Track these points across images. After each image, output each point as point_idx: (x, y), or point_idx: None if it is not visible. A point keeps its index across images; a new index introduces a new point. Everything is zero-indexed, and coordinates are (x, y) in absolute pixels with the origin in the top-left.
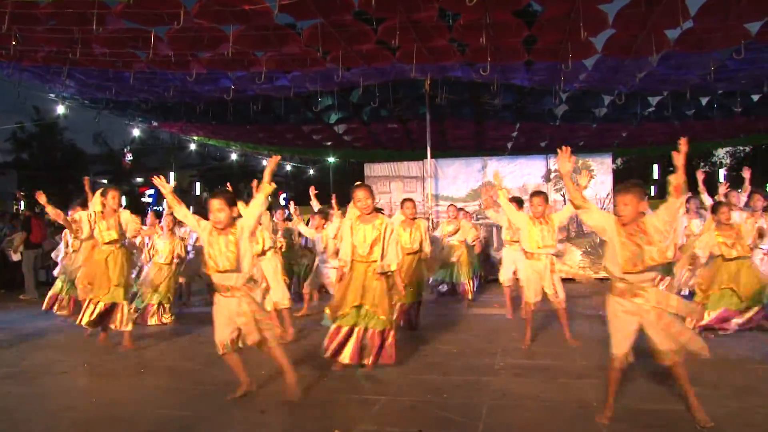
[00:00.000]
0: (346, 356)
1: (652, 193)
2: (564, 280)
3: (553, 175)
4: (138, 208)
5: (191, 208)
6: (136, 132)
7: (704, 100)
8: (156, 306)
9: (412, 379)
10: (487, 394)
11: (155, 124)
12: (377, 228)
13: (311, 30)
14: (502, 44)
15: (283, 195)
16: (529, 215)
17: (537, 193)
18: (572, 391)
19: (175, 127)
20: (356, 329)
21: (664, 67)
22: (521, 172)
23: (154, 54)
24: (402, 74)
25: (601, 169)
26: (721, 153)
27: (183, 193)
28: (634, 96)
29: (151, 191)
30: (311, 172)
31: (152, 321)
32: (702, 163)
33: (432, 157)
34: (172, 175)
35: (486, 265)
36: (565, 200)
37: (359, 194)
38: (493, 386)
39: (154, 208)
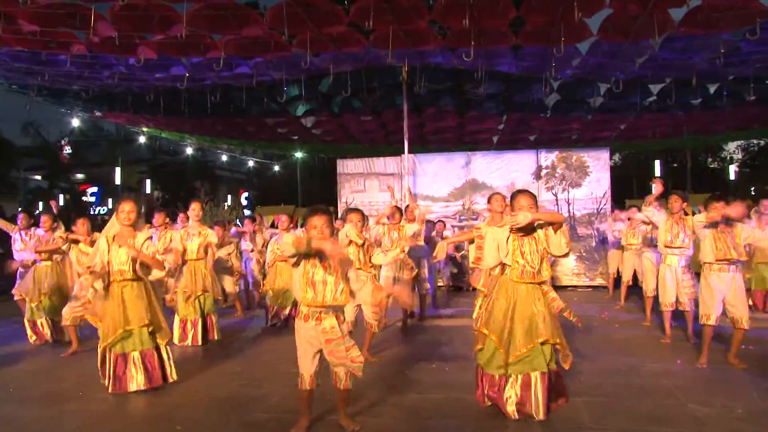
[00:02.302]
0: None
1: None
2: (555, 288)
3: (544, 171)
4: (79, 208)
5: (142, 207)
6: (75, 122)
7: (712, 88)
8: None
9: (388, 398)
10: (471, 414)
11: (99, 113)
12: (539, 239)
13: (275, 10)
14: (487, 27)
15: (245, 194)
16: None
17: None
18: (564, 410)
19: (121, 118)
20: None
21: (667, 50)
22: (509, 169)
23: (95, 35)
24: (377, 60)
25: (597, 165)
26: (732, 147)
27: (131, 191)
28: (634, 84)
29: (94, 189)
30: (276, 168)
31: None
32: (710, 159)
33: (410, 152)
34: (118, 170)
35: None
36: (557, 199)
37: (523, 202)
38: (477, 405)
39: (98, 208)
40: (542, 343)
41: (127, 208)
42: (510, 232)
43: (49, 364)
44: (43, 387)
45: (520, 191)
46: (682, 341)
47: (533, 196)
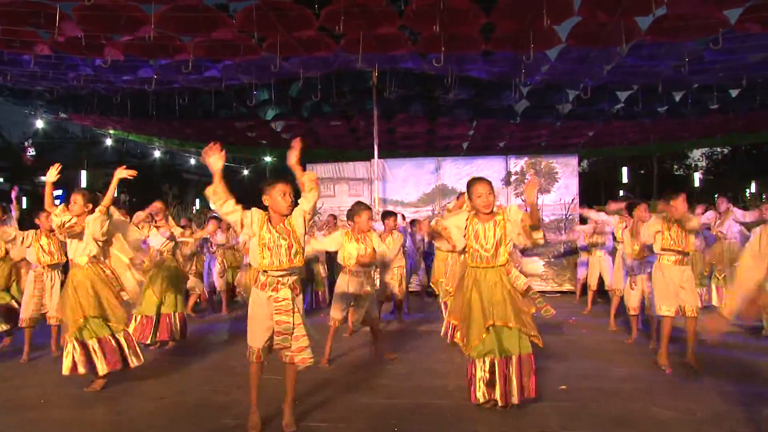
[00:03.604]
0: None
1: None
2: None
3: (513, 177)
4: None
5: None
6: (39, 123)
7: (678, 96)
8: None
9: (356, 403)
10: (441, 420)
11: (63, 115)
12: (498, 224)
13: (245, 13)
14: (458, 32)
15: None
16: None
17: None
18: (532, 415)
19: (87, 120)
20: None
21: (634, 57)
22: (478, 175)
23: (60, 34)
24: (347, 65)
25: (566, 171)
26: (697, 154)
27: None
28: (602, 90)
29: (59, 192)
30: (245, 172)
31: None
32: (676, 166)
33: (380, 157)
34: (83, 173)
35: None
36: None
37: (480, 189)
38: (447, 411)
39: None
40: (493, 326)
41: (72, 199)
42: (468, 215)
43: (9, 371)
44: (2, 394)
45: (477, 178)
46: (648, 346)
47: (490, 183)
